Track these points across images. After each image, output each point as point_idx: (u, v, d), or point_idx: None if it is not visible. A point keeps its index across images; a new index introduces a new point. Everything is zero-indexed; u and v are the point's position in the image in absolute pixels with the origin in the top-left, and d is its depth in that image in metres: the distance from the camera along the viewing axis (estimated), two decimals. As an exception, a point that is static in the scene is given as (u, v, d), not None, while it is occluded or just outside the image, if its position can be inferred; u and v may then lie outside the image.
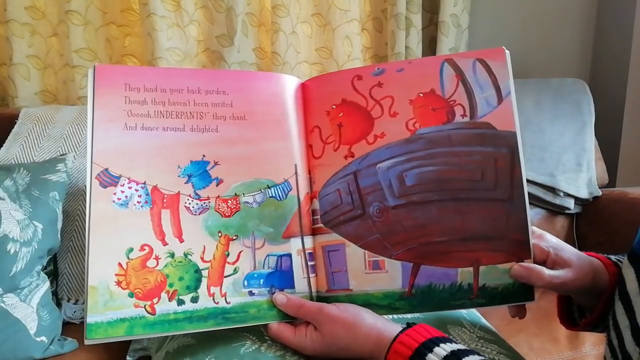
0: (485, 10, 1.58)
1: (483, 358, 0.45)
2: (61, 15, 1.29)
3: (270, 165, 0.57)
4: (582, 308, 0.59)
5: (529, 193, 0.54)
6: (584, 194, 1.28)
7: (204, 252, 0.53)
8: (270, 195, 0.57)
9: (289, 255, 0.56)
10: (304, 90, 0.60)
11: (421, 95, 0.56)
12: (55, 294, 0.96)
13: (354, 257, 0.56)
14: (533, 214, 1.29)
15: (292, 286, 0.56)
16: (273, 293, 0.54)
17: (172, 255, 0.52)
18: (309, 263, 0.57)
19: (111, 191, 0.51)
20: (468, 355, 0.45)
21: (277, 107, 0.58)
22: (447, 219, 0.54)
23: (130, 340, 0.90)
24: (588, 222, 1.31)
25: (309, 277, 0.57)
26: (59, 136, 1.09)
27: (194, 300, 0.52)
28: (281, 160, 0.57)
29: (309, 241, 0.57)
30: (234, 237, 0.55)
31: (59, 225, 0.93)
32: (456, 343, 0.47)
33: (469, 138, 0.55)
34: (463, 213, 0.54)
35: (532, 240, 0.53)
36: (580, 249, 0.55)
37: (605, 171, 1.37)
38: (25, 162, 1.03)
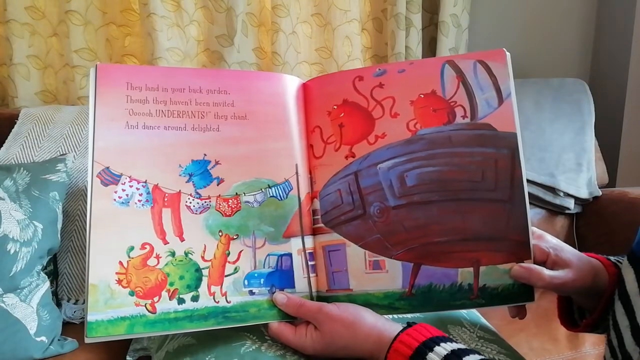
0: (485, 10, 1.58)
1: (483, 358, 0.45)
2: (61, 15, 1.29)
3: (271, 165, 0.57)
4: (582, 309, 0.59)
5: (528, 193, 0.54)
6: (584, 194, 1.28)
7: (204, 251, 0.53)
8: (271, 194, 0.57)
9: (290, 255, 0.56)
10: (305, 90, 0.61)
11: (422, 96, 0.57)
12: (55, 294, 0.96)
13: (354, 257, 0.56)
14: (533, 213, 1.28)
15: (293, 286, 0.56)
16: (273, 292, 0.54)
17: (173, 254, 0.52)
18: (310, 263, 0.57)
19: (112, 189, 0.52)
20: (468, 355, 0.45)
21: (278, 107, 0.59)
22: (447, 219, 0.54)
23: (130, 340, 0.90)
24: (588, 222, 1.31)
25: (309, 277, 0.57)
26: (59, 136, 1.09)
27: (195, 299, 0.52)
28: (282, 160, 0.57)
29: (309, 241, 0.57)
30: (235, 237, 0.55)
31: (59, 225, 0.93)
32: (456, 342, 0.47)
33: (470, 139, 0.55)
34: (463, 213, 0.54)
35: (532, 241, 0.54)
36: (580, 249, 0.55)
37: (605, 171, 1.37)
38: (25, 162, 1.03)
